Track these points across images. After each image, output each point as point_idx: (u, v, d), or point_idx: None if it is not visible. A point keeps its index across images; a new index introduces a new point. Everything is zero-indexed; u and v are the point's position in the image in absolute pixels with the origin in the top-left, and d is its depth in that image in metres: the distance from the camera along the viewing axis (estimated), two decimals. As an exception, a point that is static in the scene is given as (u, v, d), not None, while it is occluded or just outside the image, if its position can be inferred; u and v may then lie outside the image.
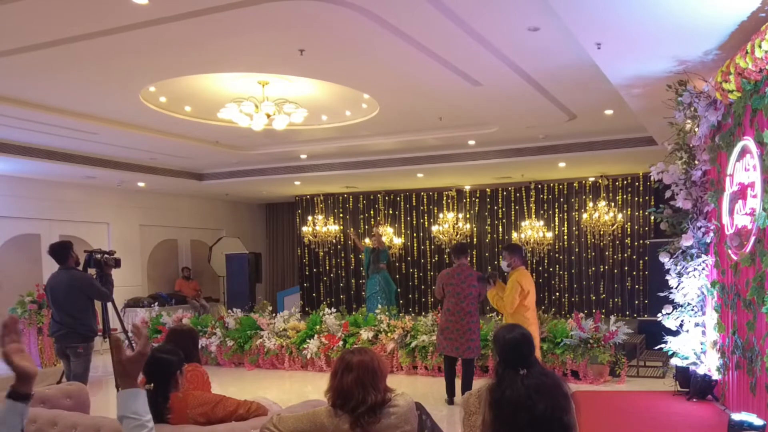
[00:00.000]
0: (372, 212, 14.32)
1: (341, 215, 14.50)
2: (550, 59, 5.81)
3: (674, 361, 6.01)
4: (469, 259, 7.17)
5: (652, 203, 11.60)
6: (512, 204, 13.30)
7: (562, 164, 10.69)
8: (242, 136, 9.05)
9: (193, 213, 14.21)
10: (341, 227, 14.37)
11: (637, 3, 4.08)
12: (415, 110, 7.93)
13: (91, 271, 6.34)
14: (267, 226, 16.38)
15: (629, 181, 12.31)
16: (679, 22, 4.41)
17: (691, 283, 5.72)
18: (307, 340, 9.20)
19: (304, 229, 14.20)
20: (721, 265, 5.38)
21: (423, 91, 6.95)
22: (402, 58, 5.75)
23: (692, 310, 5.77)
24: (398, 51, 5.53)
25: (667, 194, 5.92)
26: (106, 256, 6.34)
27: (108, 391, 7.65)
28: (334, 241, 14.39)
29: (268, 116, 6.69)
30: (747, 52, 4.23)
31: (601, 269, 12.66)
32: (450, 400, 6.96)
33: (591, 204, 12.39)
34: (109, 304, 6.45)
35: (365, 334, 8.88)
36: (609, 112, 7.81)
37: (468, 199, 13.65)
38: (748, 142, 4.63)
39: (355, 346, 8.00)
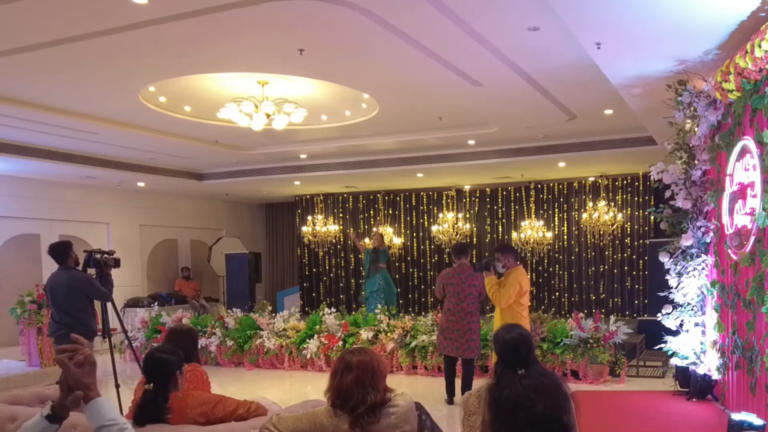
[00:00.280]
0: (372, 212, 14.31)
1: (341, 215, 14.50)
2: (550, 59, 5.81)
3: (674, 361, 6.00)
4: (469, 259, 7.16)
5: (652, 203, 11.60)
6: (512, 204, 13.31)
7: (561, 164, 10.69)
8: (242, 136, 9.05)
9: (193, 213, 14.21)
10: (341, 227, 14.37)
11: (637, 3, 4.08)
12: (415, 110, 7.93)
13: (91, 271, 6.32)
14: (267, 226, 16.38)
15: (629, 180, 12.31)
16: (679, 22, 4.41)
17: (691, 283, 5.71)
18: (307, 340, 9.20)
19: (304, 229, 14.20)
20: (721, 264, 5.38)
21: (423, 91, 6.95)
22: (402, 58, 5.74)
23: (692, 309, 5.77)
24: (398, 51, 5.53)
25: (667, 194, 5.91)
26: (105, 256, 6.32)
27: (108, 391, 7.57)
28: (333, 241, 14.39)
29: (268, 116, 6.69)
30: (747, 52, 4.23)
31: (601, 269, 12.66)
32: (450, 400, 6.96)
33: (591, 204, 12.40)
34: (109, 304, 6.43)
35: (365, 334, 8.88)
36: (609, 112, 7.81)
37: (468, 199, 13.65)
38: (748, 141, 4.62)
39: (355, 346, 8.00)
